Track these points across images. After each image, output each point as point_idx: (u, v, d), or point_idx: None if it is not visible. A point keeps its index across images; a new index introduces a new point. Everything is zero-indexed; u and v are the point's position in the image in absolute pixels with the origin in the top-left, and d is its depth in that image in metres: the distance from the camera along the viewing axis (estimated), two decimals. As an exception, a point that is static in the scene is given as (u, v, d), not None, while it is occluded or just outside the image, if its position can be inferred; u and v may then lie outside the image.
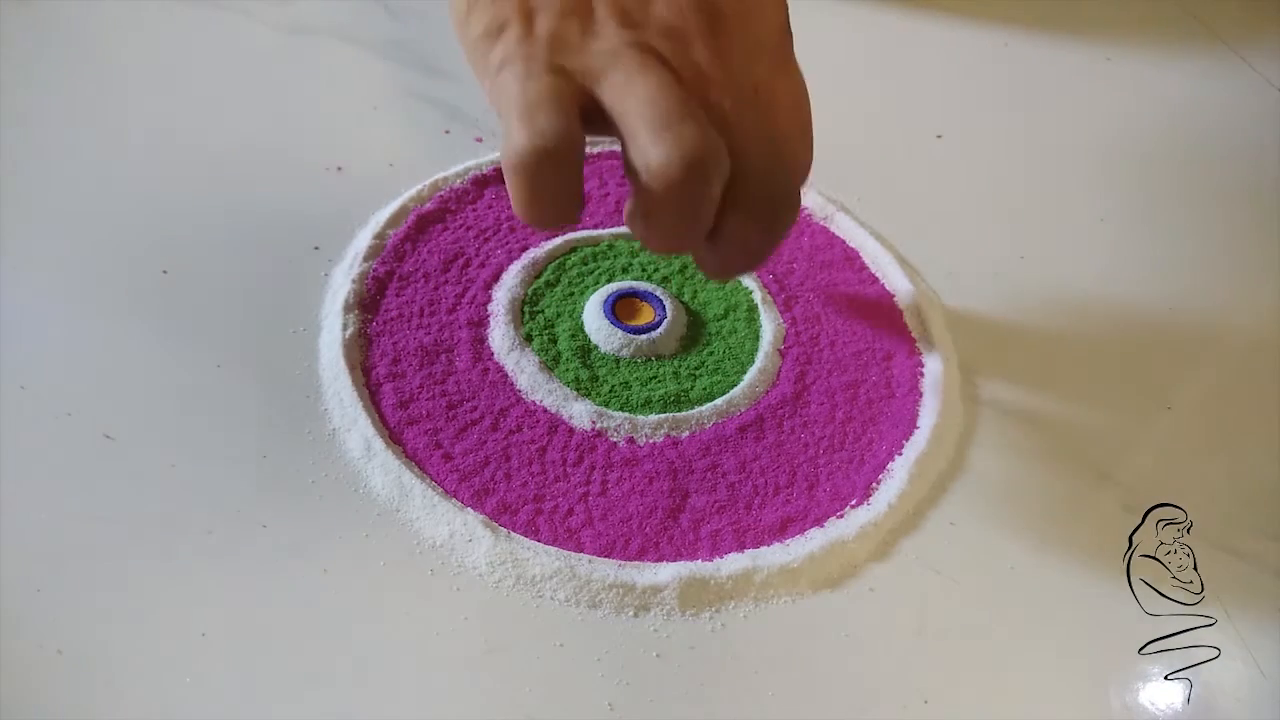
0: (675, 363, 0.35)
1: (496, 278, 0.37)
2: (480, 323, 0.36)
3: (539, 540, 0.30)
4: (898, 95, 0.50)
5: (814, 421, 0.35)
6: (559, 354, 0.35)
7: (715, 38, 0.27)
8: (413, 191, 0.39)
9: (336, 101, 0.44)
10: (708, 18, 0.27)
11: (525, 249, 0.38)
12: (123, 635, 0.27)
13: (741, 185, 0.26)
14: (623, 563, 0.30)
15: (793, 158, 0.31)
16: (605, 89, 0.26)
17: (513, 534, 0.30)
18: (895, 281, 0.40)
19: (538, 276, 0.37)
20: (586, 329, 0.36)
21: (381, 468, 0.31)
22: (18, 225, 0.36)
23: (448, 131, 0.43)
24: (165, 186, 0.39)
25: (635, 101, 0.26)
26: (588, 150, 0.42)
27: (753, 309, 0.38)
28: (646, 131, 0.25)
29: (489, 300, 0.36)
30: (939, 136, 0.48)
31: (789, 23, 0.30)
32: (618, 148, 0.43)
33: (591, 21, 0.26)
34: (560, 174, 0.25)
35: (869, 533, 0.32)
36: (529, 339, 0.35)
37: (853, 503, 0.33)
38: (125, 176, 0.39)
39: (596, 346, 0.35)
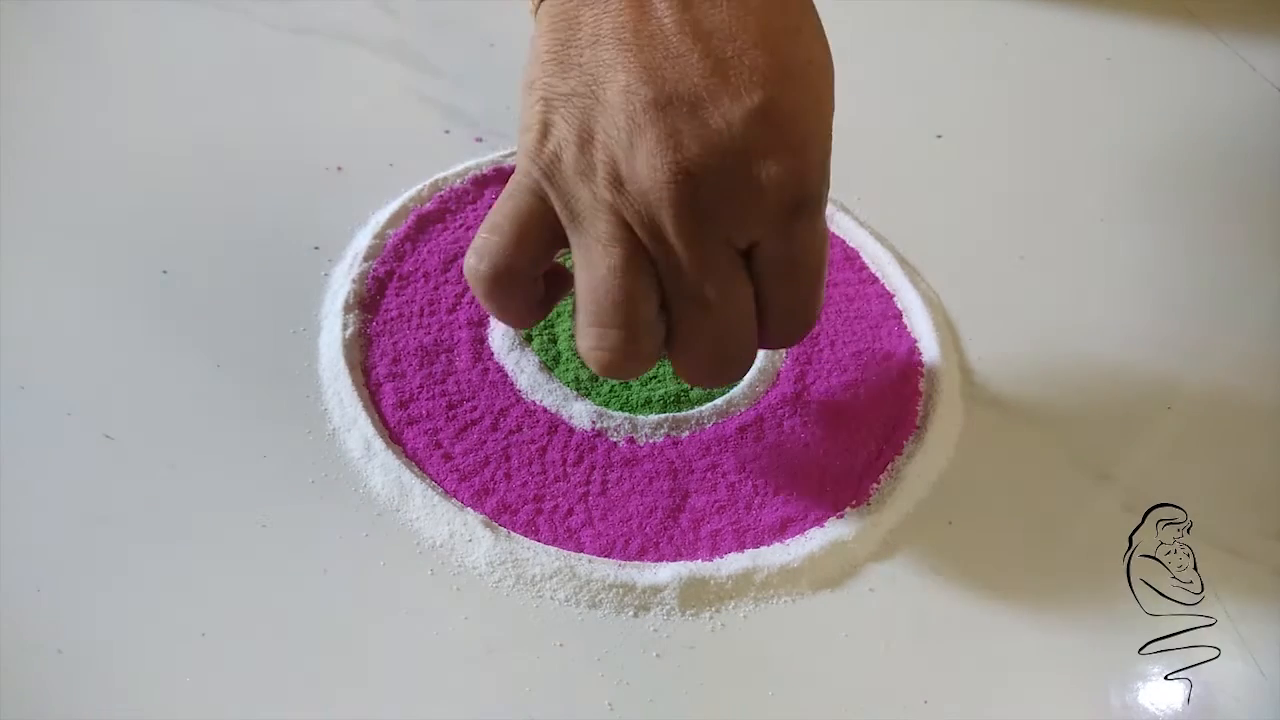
0: (675, 363, 0.35)
1: (496, 278, 0.37)
2: (480, 323, 0.36)
3: (539, 540, 0.30)
4: (898, 95, 0.50)
5: (814, 421, 0.35)
6: (559, 354, 0.35)
7: (694, 221, 0.24)
8: (412, 191, 0.39)
9: (336, 101, 0.44)
10: (689, 194, 0.24)
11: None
12: (123, 635, 0.27)
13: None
14: (623, 563, 0.30)
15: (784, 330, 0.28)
16: (571, 240, 0.26)
17: (513, 534, 0.30)
18: (895, 281, 0.40)
19: (538, 276, 0.37)
20: (586, 329, 0.36)
21: (381, 468, 0.31)
22: (18, 225, 0.36)
23: (448, 131, 0.43)
24: (165, 186, 0.39)
25: (583, 279, 0.26)
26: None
27: (753, 309, 0.38)
28: (580, 316, 0.26)
29: (489, 300, 0.36)
30: (939, 136, 0.48)
31: (810, 196, 0.25)
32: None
33: (591, 162, 0.25)
34: (500, 292, 0.27)
35: (869, 533, 0.32)
36: (529, 339, 0.35)
37: (853, 503, 0.33)
38: (125, 176, 0.39)
39: (596, 346, 0.35)
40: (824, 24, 0.27)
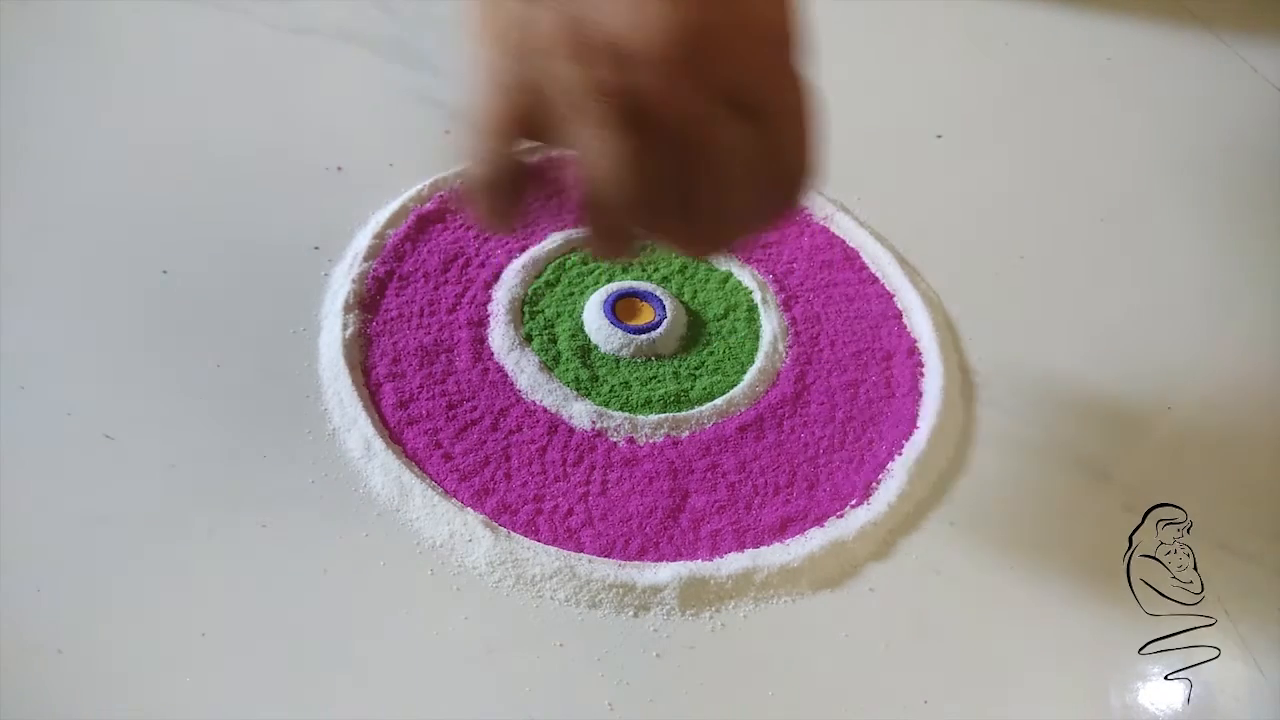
0: (675, 363, 0.35)
1: (496, 278, 0.37)
2: (480, 323, 0.36)
3: (539, 540, 0.30)
4: (897, 95, 0.50)
5: (814, 421, 0.35)
6: (559, 354, 0.35)
7: (698, 78, 0.25)
8: (413, 191, 0.39)
9: (336, 101, 0.44)
10: (689, 51, 0.25)
11: (525, 249, 0.38)
12: (123, 635, 0.27)
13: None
14: (623, 563, 0.30)
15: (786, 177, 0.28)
16: (573, 130, 0.26)
17: (513, 534, 0.30)
18: (895, 281, 0.40)
19: (538, 276, 0.37)
20: (586, 329, 0.36)
21: (381, 468, 0.31)
22: (18, 226, 0.36)
23: (448, 131, 0.43)
24: (165, 186, 0.39)
25: (590, 164, 0.26)
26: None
27: (753, 309, 0.38)
28: (592, 200, 0.26)
29: (489, 300, 0.36)
30: (939, 136, 0.48)
31: (792, 32, 0.27)
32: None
33: (587, 47, 0.25)
34: (504, 195, 0.27)
35: (869, 533, 0.32)
36: (529, 339, 0.35)
37: (853, 503, 0.33)
38: (125, 177, 0.39)
39: (596, 346, 0.35)
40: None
